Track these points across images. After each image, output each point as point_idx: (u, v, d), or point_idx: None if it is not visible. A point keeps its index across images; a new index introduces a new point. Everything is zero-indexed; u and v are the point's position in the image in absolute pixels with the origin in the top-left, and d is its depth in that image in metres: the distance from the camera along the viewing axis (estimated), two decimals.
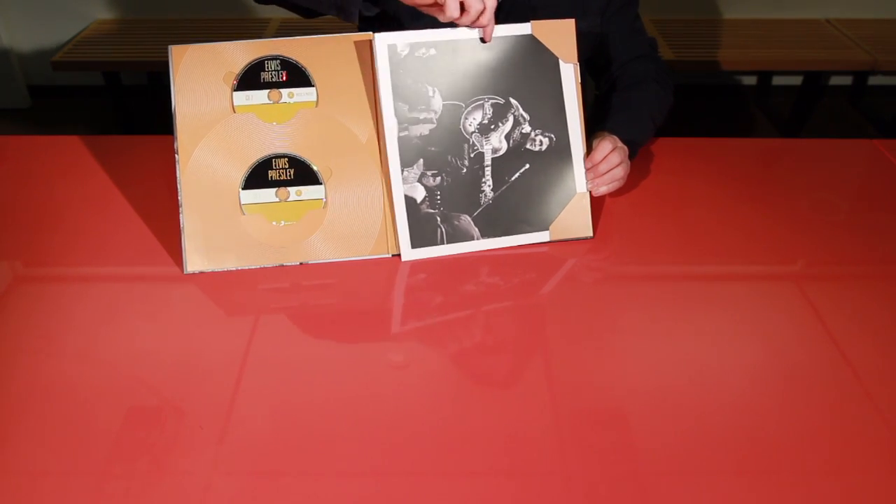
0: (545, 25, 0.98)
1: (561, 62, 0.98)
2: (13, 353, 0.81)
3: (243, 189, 0.95)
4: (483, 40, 0.94)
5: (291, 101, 0.96)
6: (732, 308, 0.89)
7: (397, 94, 0.93)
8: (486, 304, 0.89)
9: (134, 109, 2.77)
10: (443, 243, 0.94)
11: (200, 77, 0.95)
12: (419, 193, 0.93)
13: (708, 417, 0.74)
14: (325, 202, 0.96)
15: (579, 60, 1.00)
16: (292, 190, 0.96)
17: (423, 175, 0.93)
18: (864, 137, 1.28)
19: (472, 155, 0.94)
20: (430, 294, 0.91)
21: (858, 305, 0.90)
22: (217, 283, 0.92)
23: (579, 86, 0.99)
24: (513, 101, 0.96)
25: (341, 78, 0.97)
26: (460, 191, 0.95)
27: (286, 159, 0.96)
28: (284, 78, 0.96)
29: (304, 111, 0.96)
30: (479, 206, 0.94)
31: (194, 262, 0.93)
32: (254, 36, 2.65)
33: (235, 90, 0.95)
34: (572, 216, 1.00)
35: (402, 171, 0.93)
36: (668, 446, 0.72)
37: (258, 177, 0.95)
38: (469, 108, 0.94)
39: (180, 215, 0.93)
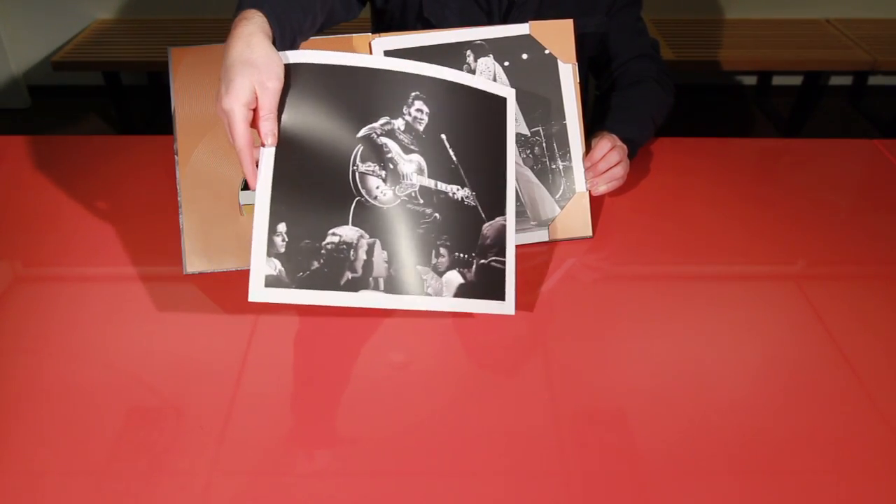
0: (543, 26, 0.98)
1: (559, 62, 0.98)
2: (13, 353, 0.81)
3: (243, 189, 0.95)
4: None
5: None
6: (732, 308, 0.89)
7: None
8: None
9: (134, 109, 2.76)
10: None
11: (200, 79, 0.95)
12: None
13: (708, 417, 0.74)
14: None
15: (583, 59, 1.01)
16: None
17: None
18: (864, 137, 1.27)
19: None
20: None
21: (858, 305, 0.90)
22: (217, 284, 0.92)
23: (578, 85, 0.99)
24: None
25: None
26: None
27: None
28: None
29: None
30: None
31: (194, 262, 0.93)
32: None
33: None
34: (572, 215, 1.00)
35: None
36: (668, 446, 0.72)
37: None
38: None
39: (180, 216, 0.93)
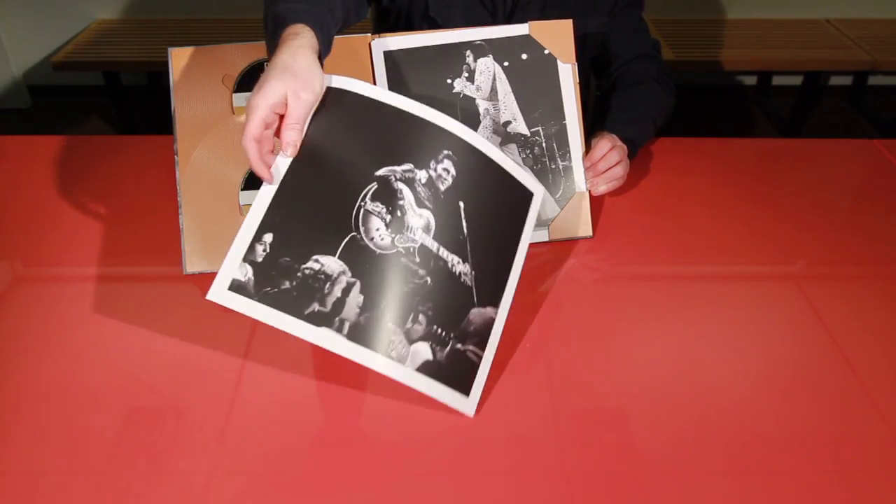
0: (543, 26, 0.98)
1: (559, 62, 0.98)
2: (13, 353, 0.81)
3: (242, 190, 0.95)
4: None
5: None
6: (732, 308, 0.89)
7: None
8: None
9: (134, 109, 2.76)
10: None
11: (200, 79, 0.95)
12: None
13: (708, 417, 0.74)
14: None
15: (585, 59, 1.00)
16: None
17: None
18: (864, 137, 1.27)
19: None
20: None
21: (858, 305, 0.90)
22: None
23: (577, 86, 0.99)
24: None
25: None
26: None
27: None
28: None
29: None
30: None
31: (193, 262, 0.93)
32: (253, 35, 2.65)
33: (235, 92, 0.95)
34: (572, 215, 1.00)
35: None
36: (668, 446, 0.72)
37: (257, 177, 0.95)
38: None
39: (179, 216, 0.93)
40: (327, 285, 0.74)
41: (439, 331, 0.76)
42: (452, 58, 0.96)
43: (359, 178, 0.78)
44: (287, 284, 0.73)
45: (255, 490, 0.66)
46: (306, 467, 0.69)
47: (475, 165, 0.83)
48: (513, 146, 0.98)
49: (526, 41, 0.98)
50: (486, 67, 0.98)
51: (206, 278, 0.92)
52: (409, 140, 0.80)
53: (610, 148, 1.01)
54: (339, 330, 0.73)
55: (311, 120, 0.78)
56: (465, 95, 0.97)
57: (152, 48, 2.57)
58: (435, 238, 0.79)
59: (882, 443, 0.72)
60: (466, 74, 0.97)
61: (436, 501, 0.66)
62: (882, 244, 1.01)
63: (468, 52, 0.97)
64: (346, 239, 0.76)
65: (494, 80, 0.98)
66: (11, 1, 2.77)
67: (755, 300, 0.91)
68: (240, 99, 0.95)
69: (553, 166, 0.99)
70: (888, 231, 1.04)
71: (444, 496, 0.66)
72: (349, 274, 0.75)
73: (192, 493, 0.66)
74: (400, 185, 0.79)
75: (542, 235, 0.99)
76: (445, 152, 0.81)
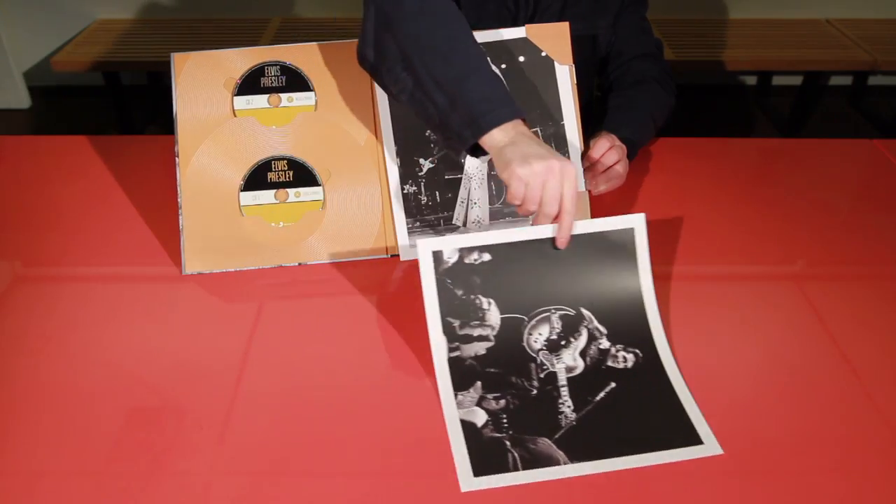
0: (540, 29, 0.98)
1: (556, 64, 0.99)
2: (13, 353, 0.81)
3: (243, 191, 0.95)
4: (554, 244, 0.80)
5: (291, 105, 0.97)
6: (732, 308, 0.89)
7: (445, 308, 0.79)
8: None
9: (134, 109, 2.76)
10: (516, 469, 0.69)
11: (202, 83, 0.96)
12: (479, 418, 0.74)
13: (708, 417, 0.74)
14: (324, 203, 0.96)
15: (595, 61, 1.00)
16: (291, 191, 0.96)
17: (482, 398, 0.75)
18: (864, 137, 1.27)
19: (541, 375, 0.77)
20: None
21: (858, 305, 0.90)
22: (216, 284, 0.92)
23: (575, 87, 0.99)
24: (585, 312, 0.80)
25: (339, 82, 0.98)
26: (533, 413, 0.74)
27: (285, 161, 0.96)
28: (284, 83, 0.97)
29: (303, 115, 0.97)
30: (561, 427, 0.73)
31: (193, 262, 0.93)
32: (253, 35, 2.65)
33: (236, 95, 0.96)
34: None
35: (456, 395, 0.75)
36: None
37: (257, 179, 0.96)
38: (533, 322, 0.80)
39: (179, 216, 0.93)
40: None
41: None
42: None
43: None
44: None
45: (255, 490, 0.67)
46: (306, 467, 0.69)
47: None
48: None
49: (524, 44, 0.98)
50: None
51: (206, 278, 0.92)
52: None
53: (609, 147, 1.01)
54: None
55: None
56: None
57: (153, 48, 2.57)
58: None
59: (882, 443, 0.72)
60: None
61: (436, 501, 0.66)
62: (882, 244, 1.01)
63: None
64: None
65: None
66: (11, 1, 2.77)
67: (755, 300, 0.91)
68: (241, 101, 0.96)
69: None
70: (888, 231, 1.04)
71: (444, 496, 0.66)
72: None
73: (192, 493, 0.66)
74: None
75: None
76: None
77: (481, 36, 0.97)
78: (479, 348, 0.78)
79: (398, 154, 0.96)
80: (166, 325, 0.85)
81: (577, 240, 0.81)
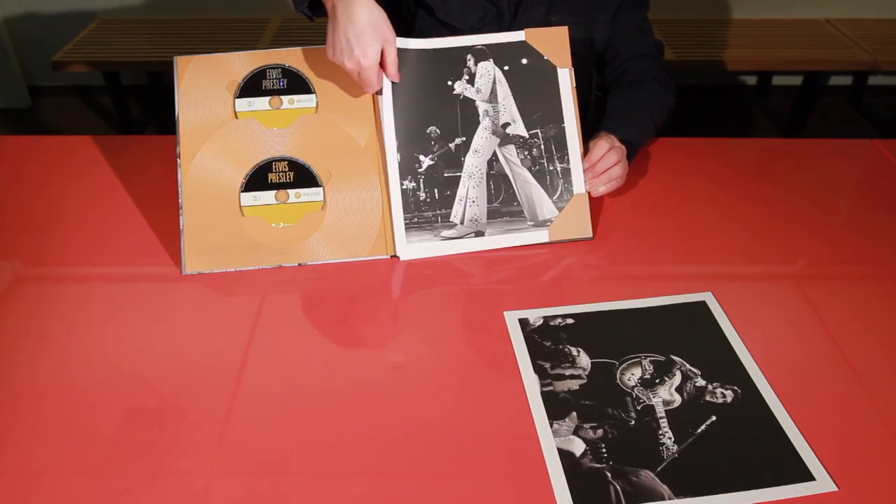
0: (539, 33, 0.99)
1: (557, 68, 0.99)
2: (13, 353, 0.81)
3: (243, 191, 0.95)
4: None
5: (292, 107, 0.97)
6: (733, 308, 0.89)
7: (535, 355, 0.82)
8: (486, 303, 0.89)
9: (134, 109, 2.76)
10: (619, 503, 0.67)
11: (204, 85, 0.97)
12: (577, 447, 0.72)
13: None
14: (324, 204, 0.96)
15: (592, 57, 1.00)
16: (292, 192, 0.96)
17: (579, 427, 0.74)
18: (864, 137, 1.27)
19: (638, 407, 0.76)
20: (429, 294, 0.91)
21: (858, 305, 0.90)
22: (216, 284, 0.92)
23: (574, 89, 1.00)
24: (676, 357, 0.81)
25: (340, 85, 0.98)
26: (633, 444, 0.73)
27: (286, 162, 0.96)
28: (285, 85, 0.97)
29: (304, 116, 0.97)
30: (663, 460, 0.71)
31: (193, 263, 0.93)
32: (253, 35, 2.65)
33: (238, 97, 0.97)
34: (571, 217, 1.00)
35: (552, 423, 0.74)
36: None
37: (258, 179, 0.96)
38: (624, 366, 0.80)
39: (180, 217, 0.93)
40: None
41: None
42: (453, 61, 0.97)
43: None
44: None
45: (255, 490, 0.67)
46: (306, 467, 0.69)
47: None
48: (511, 147, 0.99)
49: (525, 47, 0.99)
50: (487, 71, 0.98)
51: (206, 278, 0.92)
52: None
53: (608, 149, 1.01)
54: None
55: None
56: (465, 97, 0.98)
57: (153, 48, 2.56)
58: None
59: (882, 443, 0.72)
60: (467, 77, 0.98)
61: (436, 501, 0.66)
62: (882, 244, 1.01)
63: (469, 56, 0.98)
64: None
65: (495, 82, 0.98)
66: (12, 1, 2.77)
67: (755, 300, 0.91)
68: (242, 104, 0.97)
69: (551, 168, 1.00)
70: (888, 231, 1.04)
71: (444, 496, 0.67)
72: None
73: (192, 493, 0.66)
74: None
75: (543, 237, 0.99)
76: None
77: (484, 38, 0.98)
78: (573, 384, 0.78)
79: (398, 150, 0.97)
80: (166, 325, 0.85)
81: (654, 309, 0.88)
